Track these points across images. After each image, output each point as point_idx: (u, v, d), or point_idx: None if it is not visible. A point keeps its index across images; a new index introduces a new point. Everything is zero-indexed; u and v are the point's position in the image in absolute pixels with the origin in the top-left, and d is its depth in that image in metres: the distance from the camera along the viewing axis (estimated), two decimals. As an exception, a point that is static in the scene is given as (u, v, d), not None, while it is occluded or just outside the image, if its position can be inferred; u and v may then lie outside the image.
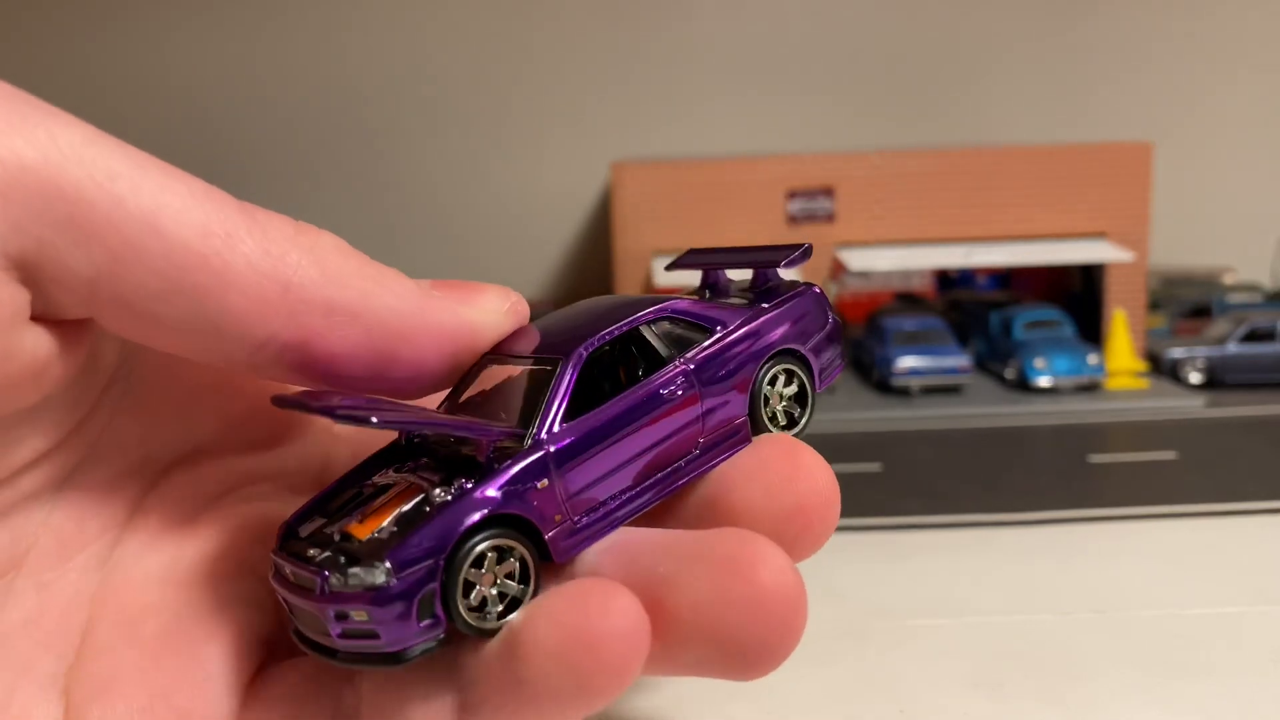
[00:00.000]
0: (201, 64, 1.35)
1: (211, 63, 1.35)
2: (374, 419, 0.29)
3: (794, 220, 1.08)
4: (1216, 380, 1.01)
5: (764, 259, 0.40)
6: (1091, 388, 0.99)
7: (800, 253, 0.39)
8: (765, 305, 0.38)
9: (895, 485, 0.76)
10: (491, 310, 0.35)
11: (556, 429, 0.32)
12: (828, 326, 0.40)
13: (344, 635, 0.30)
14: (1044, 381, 0.98)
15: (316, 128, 1.36)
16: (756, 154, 1.16)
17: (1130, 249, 1.07)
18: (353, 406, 0.30)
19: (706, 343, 0.36)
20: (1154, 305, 1.18)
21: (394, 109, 1.37)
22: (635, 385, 0.34)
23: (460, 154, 1.38)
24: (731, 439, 0.36)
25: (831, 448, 0.86)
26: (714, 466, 0.36)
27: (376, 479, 0.34)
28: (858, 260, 1.06)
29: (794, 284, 0.40)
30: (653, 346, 0.36)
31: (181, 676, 0.32)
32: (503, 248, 1.38)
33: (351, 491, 0.34)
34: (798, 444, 0.35)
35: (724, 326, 0.37)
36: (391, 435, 0.36)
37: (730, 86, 1.35)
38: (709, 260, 0.41)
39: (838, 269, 1.08)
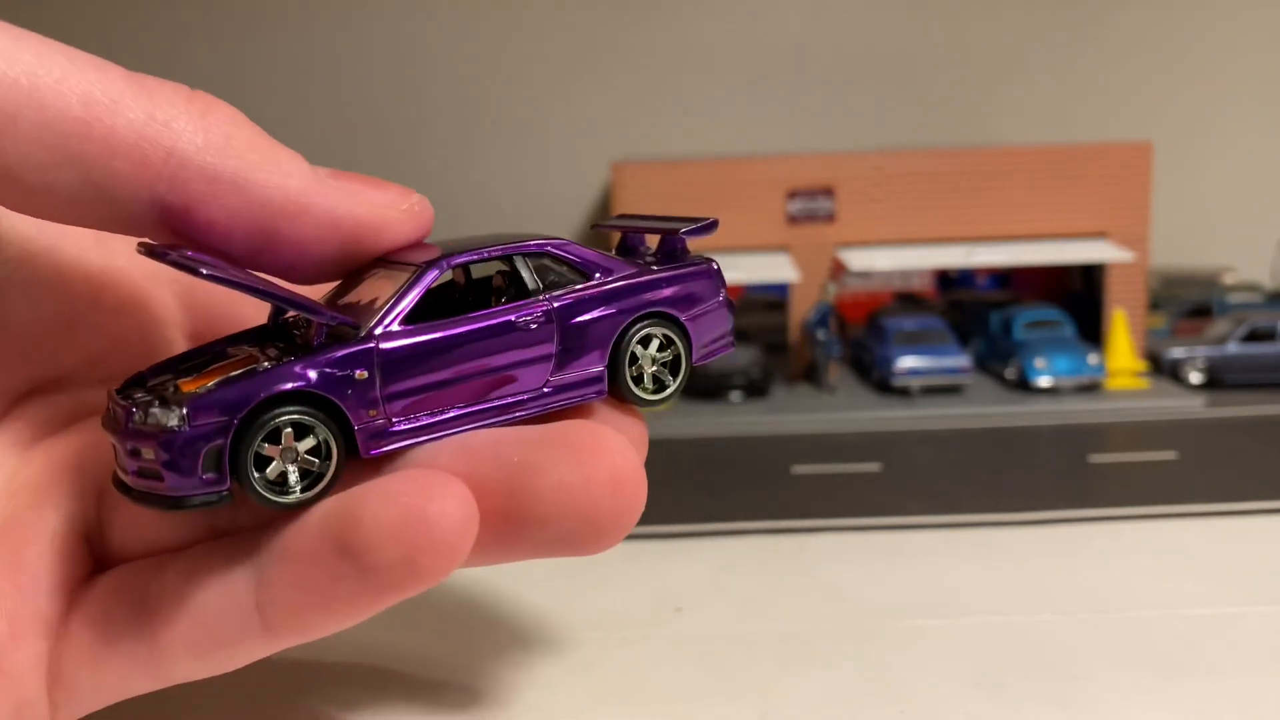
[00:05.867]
0: (197, 62, 1.35)
1: (207, 62, 1.35)
2: (203, 270, 0.30)
3: (794, 220, 1.08)
4: (1217, 380, 1.00)
5: (670, 227, 0.40)
6: (1092, 388, 0.99)
7: (704, 225, 0.39)
8: (655, 267, 0.38)
9: (895, 485, 0.76)
10: (386, 205, 0.35)
11: (395, 328, 0.33)
12: (717, 301, 0.40)
13: (138, 474, 0.31)
14: (1044, 381, 0.98)
15: (315, 127, 1.36)
16: (756, 154, 1.16)
17: (1130, 249, 1.07)
18: (190, 258, 0.30)
19: (578, 286, 0.36)
20: (1154, 305, 1.18)
21: (393, 109, 1.37)
22: (489, 310, 0.35)
23: (460, 154, 1.38)
24: (585, 387, 0.36)
25: (831, 448, 0.86)
26: (562, 408, 0.36)
27: (229, 350, 0.35)
28: (858, 260, 1.06)
29: (695, 257, 0.40)
30: (522, 278, 0.36)
31: (5, 579, 0.33)
32: (503, 248, 1.38)
33: (206, 357, 0.35)
34: (603, 436, 0.33)
35: (602, 276, 0.37)
36: (262, 318, 0.37)
37: (731, 86, 1.35)
38: (628, 224, 0.42)
39: (838, 269, 1.08)
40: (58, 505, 0.35)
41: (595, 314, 0.36)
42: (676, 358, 0.38)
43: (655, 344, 0.38)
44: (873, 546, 0.63)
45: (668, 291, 0.38)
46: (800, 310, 1.08)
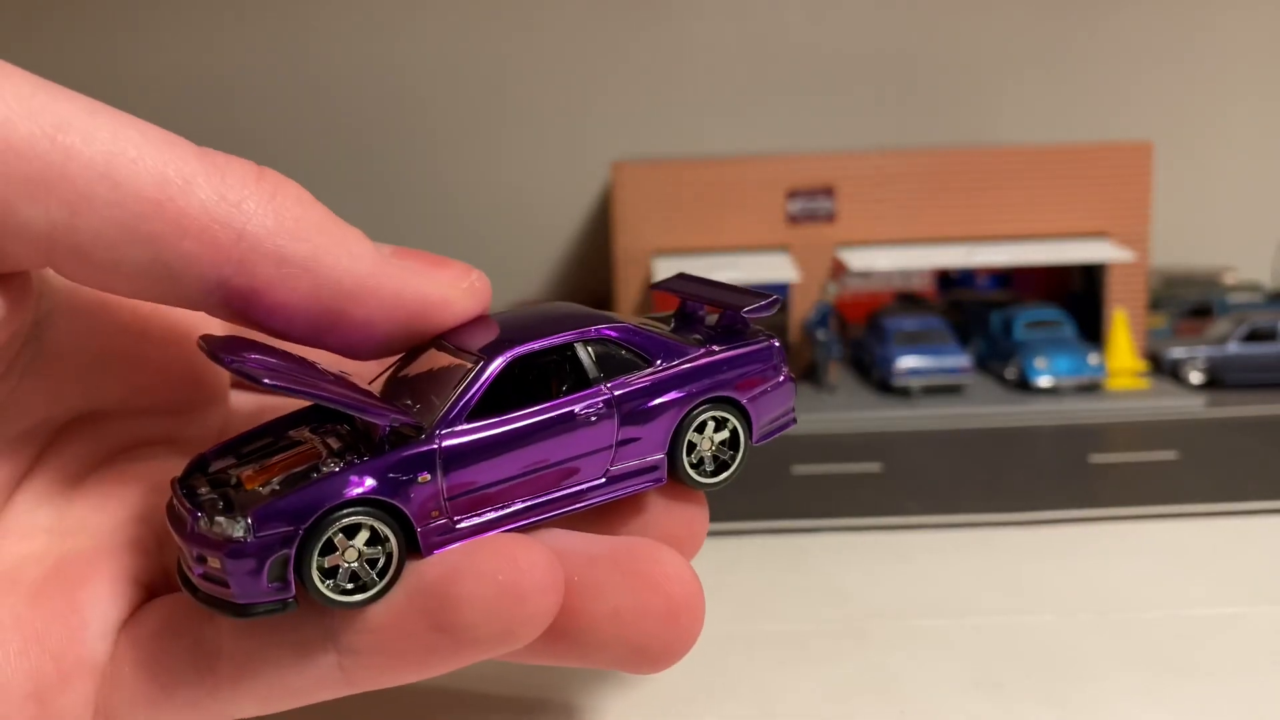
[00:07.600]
0: (195, 62, 1.35)
1: (205, 61, 1.35)
2: (265, 380, 0.29)
3: (794, 220, 1.08)
4: (1217, 380, 1.00)
5: (732, 302, 0.39)
6: (1092, 388, 0.99)
7: (765, 304, 0.38)
8: (715, 348, 0.38)
9: (895, 485, 0.75)
10: (448, 285, 0.35)
11: (457, 427, 0.32)
12: (778, 381, 0.39)
13: (204, 578, 0.31)
14: (1045, 381, 0.98)
15: (314, 127, 1.36)
16: (756, 154, 1.16)
17: (1131, 249, 1.07)
18: (251, 367, 0.30)
19: (638, 374, 0.36)
20: (1155, 305, 1.18)
21: (393, 108, 1.37)
22: (549, 401, 0.34)
23: (460, 154, 1.38)
24: (644, 475, 0.36)
25: (831, 448, 0.86)
26: (618, 498, 0.36)
27: (293, 433, 0.35)
28: (858, 260, 1.05)
29: (755, 332, 0.40)
30: (583, 366, 0.35)
31: (55, 620, 0.33)
32: (503, 248, 1.38)
33: (269, 439, 0.35)
34: (662, 561, 0.33)
35: (663, 361, 0.36)
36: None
37: (731, 86, 1.35)
38: (688, 290, 0.41)
39: (838, 269, 1.08)
40: (119, 550, 0.35)
41: (655, 402, 0.36)
42: (735, 435, 0.38)
43: (711, 427, 0.37)
44: (873, 546, 0.63)
45: (728, 375, 0.37)
46: (800, 310, 1.08)
